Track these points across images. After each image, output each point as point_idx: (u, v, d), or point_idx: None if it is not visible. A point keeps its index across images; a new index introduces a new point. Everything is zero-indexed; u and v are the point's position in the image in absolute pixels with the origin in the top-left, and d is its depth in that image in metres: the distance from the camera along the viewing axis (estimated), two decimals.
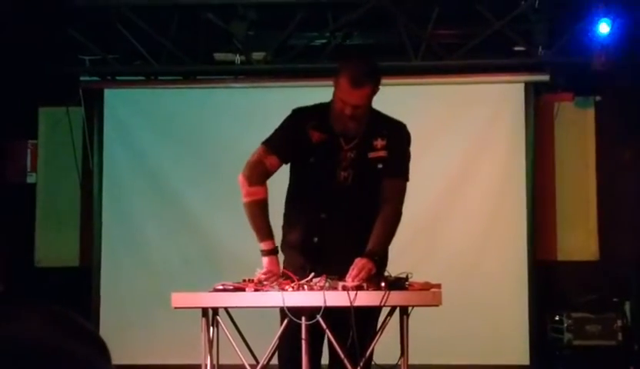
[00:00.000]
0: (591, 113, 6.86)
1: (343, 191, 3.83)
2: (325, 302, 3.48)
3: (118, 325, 6.42)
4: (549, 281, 6.65)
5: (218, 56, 6.66)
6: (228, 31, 6.30)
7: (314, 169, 3.85)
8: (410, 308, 3.61)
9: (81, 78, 6.72)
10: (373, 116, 3.84)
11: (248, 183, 3.81)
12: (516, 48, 6.59)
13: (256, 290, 3.64)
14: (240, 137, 6.18)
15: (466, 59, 6.45)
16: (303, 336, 3.60)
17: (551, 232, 6.76)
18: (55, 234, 6.96)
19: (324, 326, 3.54)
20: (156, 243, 6.64)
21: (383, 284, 3.55)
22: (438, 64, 6.53)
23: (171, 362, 6.35)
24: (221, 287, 3.67)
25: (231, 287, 3.67)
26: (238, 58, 6.49)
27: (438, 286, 3.70)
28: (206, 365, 3.71)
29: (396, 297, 3.54)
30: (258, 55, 6.48)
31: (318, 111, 3.86)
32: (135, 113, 6.79)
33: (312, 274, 3.64)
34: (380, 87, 3.81)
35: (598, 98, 6.87)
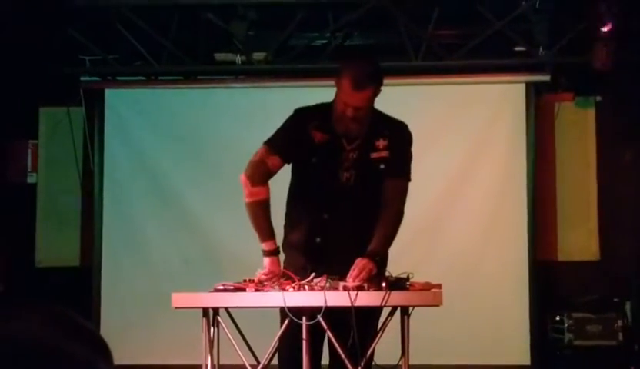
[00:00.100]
0: (591, 113, 6.85)
1: (345, 191, 3.84)
2: (325, 302, 3.48)
3: (118, 325, 6.42)
4: (550, 281, 6.65)
5: (219, 56, 6.66)
6: (229, 31, 6.30)
7: (316, 169, 3.85)
8: (411, 308, 3.62)
9: (82, 78, 6.72)
10: (375, 116, 3.84)
11: (251, 183, 3.81)
12: (516, 48, 6.58)
13: (257, 290, 3.64)
14: (240, 137, 6.19)
15: (466, 59, 6.45)
16: (304, 336, 3.60)
17: (552, 232, 6.75)
18: (56, 234, 6.96)
19: (324, 326, 3.54)
20: (157, 243, 6.64)
21: (384, 285, 3.55)
22: (439, 65, 6.53)
23: (172, 362, 6.35)
24: (221, 288, 3.67)
25: (232, 288, 3.67)
26: (238, 58, 6.49)
27: (439, 286, 3.70)
28: (207, 365, 3.71)
29: (397, 298, 3.54)
30: (258, 55, 6.48)
31: (320, 111, 3.86)
32: (135, 113, 6.79)
33: (313, 275, 3.64)
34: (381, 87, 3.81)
35: (598, 98, 6.86)
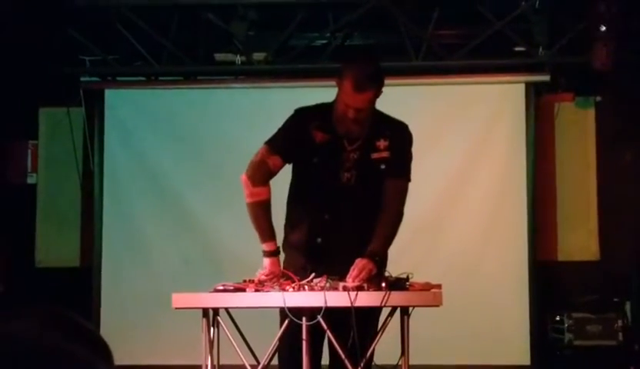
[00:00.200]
0: (591, 113, 6.85)
1: (346, 191, 3.84)
2: (325, 302, 3.48)
3: (118, 326, 6.41)
4: (550, 281, 6.65)
5: (219, 56, 6.66)
6: (229, 32, 6.30)
7: (317, 169, 3.84)
8: (411, 309, 3.62)
9: (82, 79, 6.71)
10: (376, 117, 3.84)
11: (252, 183, 3.81)
12: (516, 49, 6.58)
13: (256, 290, 3.64)
14: (241, 137, 6.19)
15: (467, 59, 6.45)
16: (304, 336, 3.60)
17: (552, 232, 6.75)
18: (56, 235, 6.96)
19: (324, 326, 3.54)
20: (157, 243, 6.63)
21: (384, 285, 3.55)
22: (439, 65, 6.53)
23: (172, 362, 6.35)
24: (221, 288, 3.67)
25: (232, 288, 3.67)
26: (238, 59, 6.49)
27: (439, 286, 3.70)
28: (207, 365, 3.71)
29: (397, 298, 3.54)
30: (258, 56, 6.48)
31: (321, 111, 3.86)
32: (135, 113, 6.79)
33: (313, 275, 3.64)
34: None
35: (598, 98, 6.86)
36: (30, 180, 7.09)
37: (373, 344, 3.68)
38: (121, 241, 6.67)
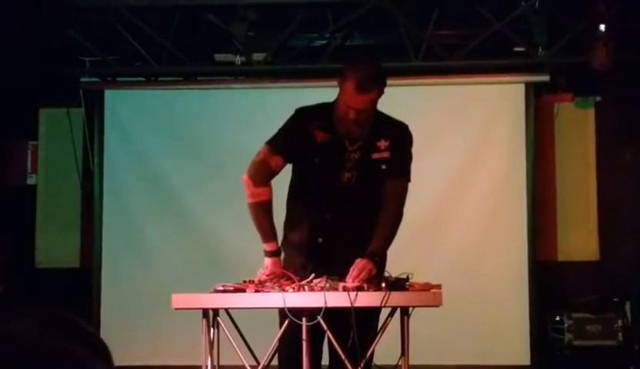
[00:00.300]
0: (591, 113, 6.86)
1: (347, 191, 3.84)
2: (325, 303, 3.48)
3: (118, 326, 6.42)
4: (550, 282, 6.65)
5: (219, 57, 6.67)
6: (229, 32, 6.31)
7: (318, 169, 3.84)
8: (410, 309, 3.62)
9: (82, 79, 6.71)
10: (377, 117, 3.84)
11: (253, 183, 3.81)
12: (516, 49, 6.59)
13: (256, 291, 3.64)
14: (240, 137, 6.19)
15: (466, 60, 6.45)
16: (304, 337, 3.60)
17: (552, 232, 6.76)
18: (56, 236, 6.96)
19: (324, 327, 3.54)
20: (157, 244, 6.64)
21: (383, 285, 3.55)
22: (439, 65, 6.53)
23: (172, 363, 6.35)
24: (221, 288, 3.67)
25: (232, 288, 3.67)
26: (238, 59, 6.49)
27: (439, 286, 3.70)
28: (207, 366, 3.71)
29: (397, 298, 3.54)
30: (258, 56, 6.48)
31: (322, 111, 3.86)
32: (135, 114, 6.79)
33: (313, 275, 3.64)
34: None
35: (598, 98, 6.87)
36: (30, 180, 7.09)
37: (373, 345, 3.68)
38: (121, 241, 6.67)
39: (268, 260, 3.79)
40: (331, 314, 3.52)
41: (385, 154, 3.84)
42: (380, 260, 3.72)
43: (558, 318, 6.44)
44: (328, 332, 3.57)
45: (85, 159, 6.88)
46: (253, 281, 3.70)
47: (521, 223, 6.45)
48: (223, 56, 6.62)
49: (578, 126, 6.84)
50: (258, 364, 3.77)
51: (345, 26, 6.49)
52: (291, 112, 3.94)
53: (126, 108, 6.79)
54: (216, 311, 3.73)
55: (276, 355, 3.81)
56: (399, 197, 3.86)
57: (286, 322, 3.62)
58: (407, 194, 3.88)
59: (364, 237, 3.72)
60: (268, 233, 3.80)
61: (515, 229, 6.46)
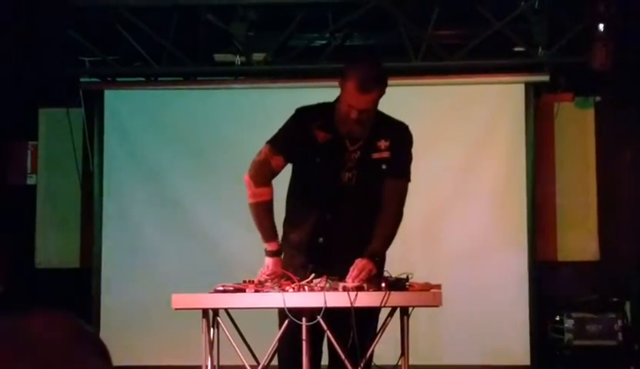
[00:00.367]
0: (591, 113, 6.86)
1: (347, 191, 3.84)
2: (325, 303, 3.48)
3: (118, 326, 6.42)
4: (550, 281, 6.65)
5: (218, 57, 6.66)
6: (228, 32, 6.30)
7: (319, 169, 3.84)
8: (410, 309, 3.62)
9: (82, 80, 6.71)
10: (377, 117, 3.84)
11: (254, 184, 3.81)
12: (516, 49, 6.58)
13: (256, 291, 3.64)
14: (240, 138, 6.19)
15: (466, 60, 6.45)
16: (303, 337, 3.60)
17: (552, 232, 6.76)
18: (56, 236, 6.96)
19: (324, 327, 3.54)
20: (156, 244, 6.63)
21: (383, 285, 3.55)
22: (439, 65, 6.53)
23: (172, 363, 6.35)
24: (221, 289, 3.67)
25: (232, 289, 3.67)
26: (238, 59, 6.49)
27: (439, 286, 3.70)
28: (207, 366, 3.71)
29: (396, 298, 3.54)
30: (258, 56, 6.48)
31: (323, 111, 3.86)
32: (135, 114, 6.79)
33: (313, 275, 3.64)
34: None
35: (598, 98, 6.87)
36: (29, 181, 7.09)
37: (373, 345, 3.68)
38: (120, 241, 6.67)
39: (268, 260, 3.79)
40: (331, 314, 3.52)
41: (386, 154, 3.84)
42: (380, 260, 3.72)
43: (558, 318, 6.44)
44: (328, 332, 3.57)
45: (84, 159, 6.87)
46: (253, 281, 3.70)
47: (521, 223, 6.45)
48: (223, 56, 6.62)
49: (577, 126, 6.84)
50: (258, 363, 3.77)
51: (345, 26, 6.49)
52: (291, 112, 3.94)
53: (126, 108, 6.79)
54: (216, 311, 3.73)
55: (276, 355, 3.81)
56: (399, 197, 3.86)
57: (286, 322, 3.62)
58: (407, 194, 3.88)
59: (364, 237, 3.73)
60: (269, 233, 3.80)
61: (515, 229, 6.46)
